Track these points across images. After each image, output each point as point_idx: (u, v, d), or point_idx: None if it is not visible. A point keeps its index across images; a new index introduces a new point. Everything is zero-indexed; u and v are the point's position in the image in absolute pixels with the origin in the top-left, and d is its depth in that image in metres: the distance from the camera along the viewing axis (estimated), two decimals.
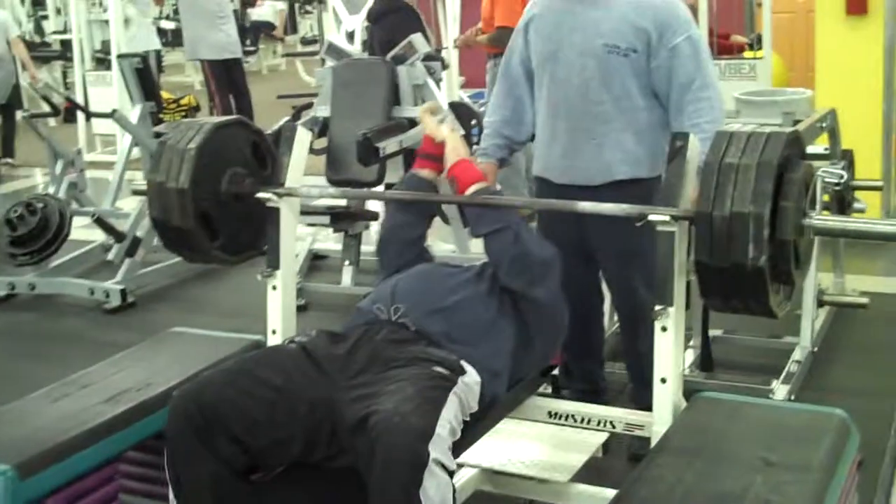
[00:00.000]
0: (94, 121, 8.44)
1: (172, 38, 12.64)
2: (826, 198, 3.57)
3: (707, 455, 2.01)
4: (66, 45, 10.24)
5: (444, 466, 1.89)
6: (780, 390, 3.34)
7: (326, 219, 4.33)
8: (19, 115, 7.42)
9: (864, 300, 3.87)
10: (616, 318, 3.34)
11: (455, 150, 2.54)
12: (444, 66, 4.57)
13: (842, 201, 3.69)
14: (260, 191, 2.56)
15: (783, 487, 1.87)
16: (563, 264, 2.45)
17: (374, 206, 4.54)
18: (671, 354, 2.21)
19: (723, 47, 6.76)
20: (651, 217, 2.17)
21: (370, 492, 1.89)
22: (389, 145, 3.86)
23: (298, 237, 3.31)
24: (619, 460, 2.90)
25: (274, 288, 2.58)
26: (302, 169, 2.62)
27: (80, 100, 8.34)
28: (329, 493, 2.17)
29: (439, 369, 2.12)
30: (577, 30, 2.80)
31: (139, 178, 5.59)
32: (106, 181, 6.26)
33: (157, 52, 9.99)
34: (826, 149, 3.83)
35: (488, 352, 2.26)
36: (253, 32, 14.46)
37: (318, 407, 2.10)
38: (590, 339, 3.15)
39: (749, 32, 7.51)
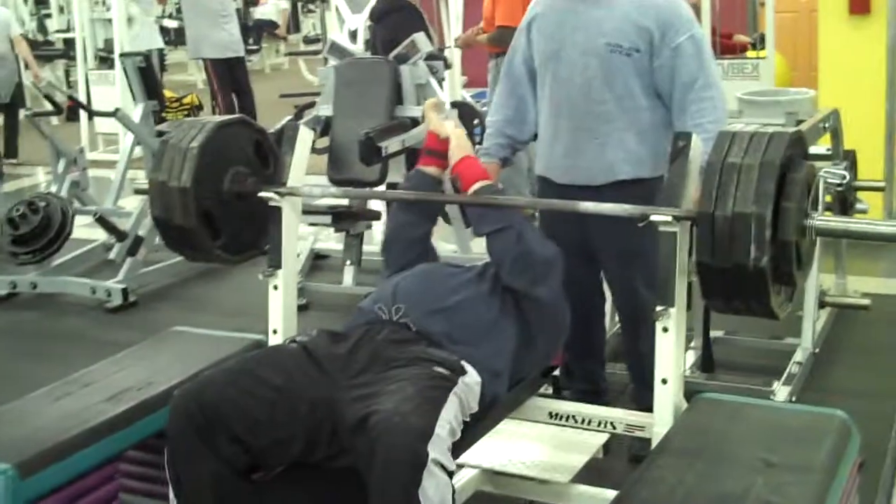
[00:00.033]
0: (96, 119, 8.45)
1: (175, 37, 12.63)
2: (828, 198, 3.57)
3: (708, 456, 2.00)
4: (69, 43, 10.24)
5: (443, 466, 1.89)
6: (781, 391, 3.34)
7: (328, 218, 4.32)
8: (22, 113, 7.42)
9: (866, 302, 3.87)
10: (617, 318, 3.34)
11: (459, 146, 2.53)
12: (447, 66, 4.57)
13: (844, 202, 3.69)
14: (262, 190, 2.56)
15: (784, 489, 1.86)
16: (565, 264, 2.45)
17: (376, 205, 4.54)
18: (672, 355, 2.20)
19: (725, 47, 6.75)
20: (653, 217, 2.16)
21: (370, 492, 1.89)
22: (392, 145, 3.86)
23: (300, 237, 3.32)
24: (619, 461, 2.89)
25: (275, 287, 2.58)
26: (304, 168, 2.62)
27: (82, 98, 8.33)
28: (329, 493, 2.17)
29: (440, 369, 2.11)
30: (579, 29, 2.80)
31: (141, 177, 5.61)
32: (108, 180, 6.26)
33: (160, 51, 10.00)
34: (829, 149, 3.82)
35: (489, 352, 2.26)
36: (256, 31, 14.47)
37: (318, 406, 2.10)
38: (591, 340, 3.15)
39: (752, 32, 7.51)
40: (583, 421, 2.53)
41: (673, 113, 2.78)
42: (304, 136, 2.64)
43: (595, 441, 2.60)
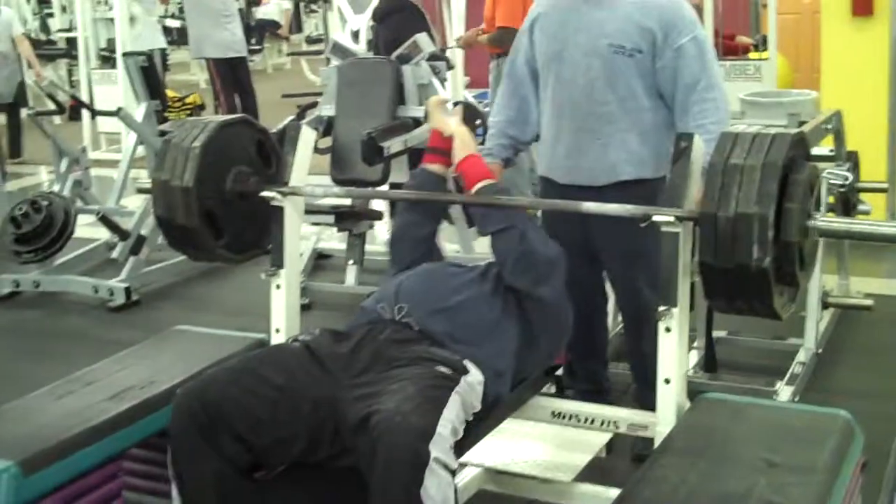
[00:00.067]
0: (99, 119, 8.44)
1: (178, 37, 12.64)
2: (831, 199, 3.57)
3: (711, 456, 2.00)
4: (72, 43, 10.25)
5: (445, 465, 1.89)
6: (783, 392, 3.33)
7: (331, 218, 4.33)
8: (25, 112, 7.43)
9: (869, 302, 3.87)
10: (620, 318, 3.34)
11: (463, 144, 2.54)
12: (450, 66, 4.56)
13: (847, 203, 3.69)
14: (264, 189, 2.56)
15: (787, 489, 1.86)
16: (568, 264, 2.45)
17: (379, 205, 4.54)
18: (675, 355, 2.20)
19: (728, 48, 6.75)
20: (655, 218, 2.17)
21: (372, 491, 1.89)
22: (394, 145, 3.86)
23: (303, 236, 3.32)
24: (622, 460, 2.89)
25: (278, 287, 2.58)
26: (306, 168, 2.63)
27: (85, 98, 8.35)
28: (331, 492, 2.18)
29: (442, 369, 2.12)
30: (581, 30, 2.80)
31: (144, 177, 5.60)
32: (111, 179, 6.27)
33: (163, 51, 10.02)
34: (831, 150, 3.82)
35: (492, 351, 2.26)
36: (258, 31, 14.47)
37: (321, 406, 2.10)
38: (594, 340, 3.15)
39: (754, 33, 7.51)
40: (586, 420, 2.53)
41: (675, 114, 2.78)
42: (307, 136, 2.64)
43: (598, 440, 2.60)
